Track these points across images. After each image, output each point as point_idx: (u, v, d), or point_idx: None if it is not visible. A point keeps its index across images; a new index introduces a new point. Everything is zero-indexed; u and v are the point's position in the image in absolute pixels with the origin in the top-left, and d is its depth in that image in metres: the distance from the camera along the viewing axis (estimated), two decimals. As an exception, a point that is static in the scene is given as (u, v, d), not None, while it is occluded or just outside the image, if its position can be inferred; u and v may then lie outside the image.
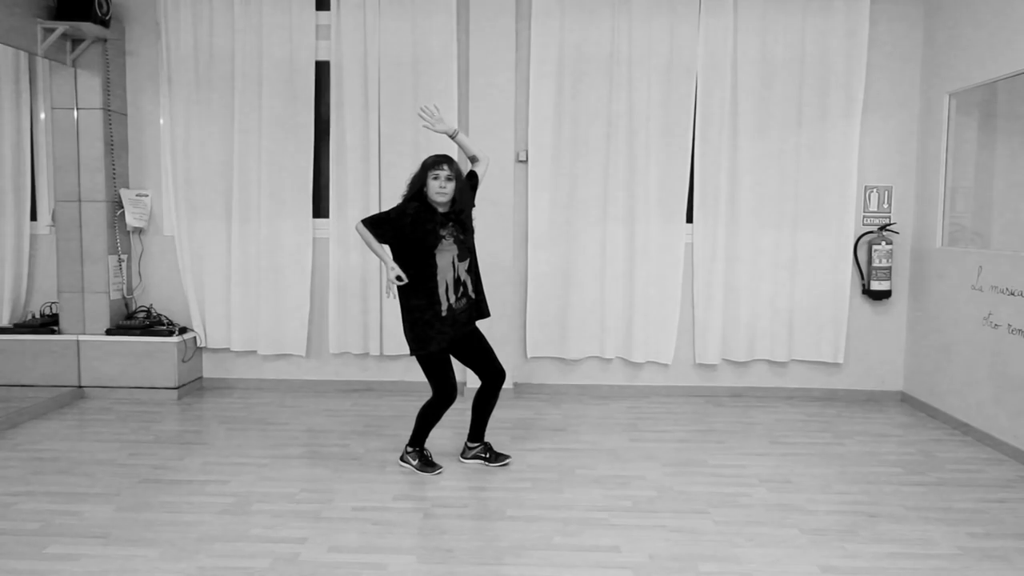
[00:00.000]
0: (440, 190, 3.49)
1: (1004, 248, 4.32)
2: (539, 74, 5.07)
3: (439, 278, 3.52)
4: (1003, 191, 4.59)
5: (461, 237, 3.57)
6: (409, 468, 3.75)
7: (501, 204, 5.09)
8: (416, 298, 3.55)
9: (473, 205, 3.72)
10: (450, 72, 5.07)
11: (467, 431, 3.92)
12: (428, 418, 3.69)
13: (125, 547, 2.87)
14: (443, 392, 3.60)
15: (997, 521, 3.21)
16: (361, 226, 3.55)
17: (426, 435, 3.76)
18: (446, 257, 3.53)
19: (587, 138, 5.10)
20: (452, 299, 3.56)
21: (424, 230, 3.50)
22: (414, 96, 5.10)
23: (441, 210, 3.56)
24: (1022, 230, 4.31)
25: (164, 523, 3.09)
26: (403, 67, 5.09)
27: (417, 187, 3.54)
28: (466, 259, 3.60)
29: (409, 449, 3.78)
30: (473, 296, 3.65)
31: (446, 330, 3.55)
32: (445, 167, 3.50)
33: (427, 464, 3.73)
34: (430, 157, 3.58)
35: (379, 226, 3.54)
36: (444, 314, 3.54)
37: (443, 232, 3.53)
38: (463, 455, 3.88)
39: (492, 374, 3.72)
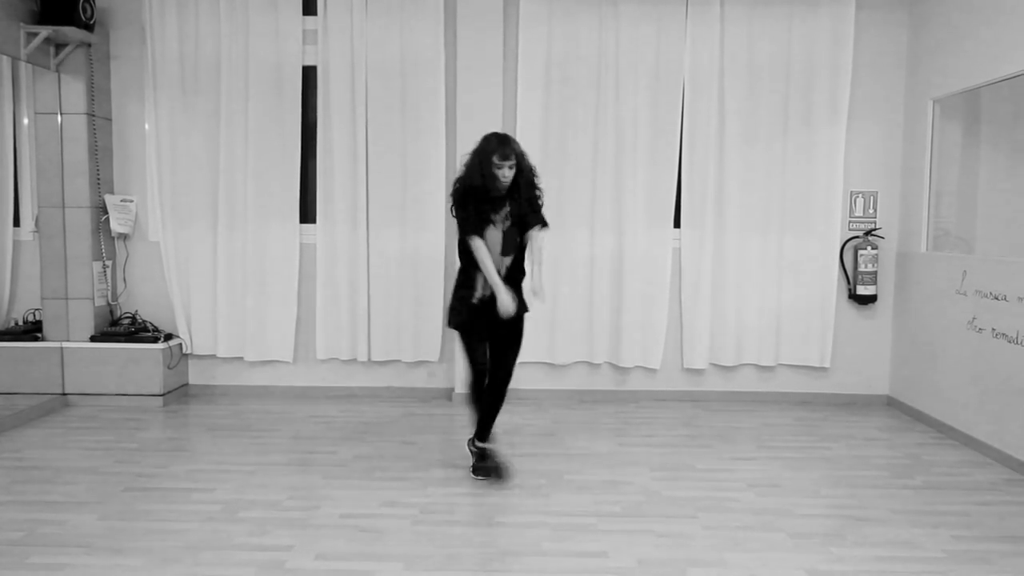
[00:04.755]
0: (503, 179, 3.43)
1: (988, 253, 4.36)
2: (527, 80, 5.08)
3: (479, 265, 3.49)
4: (986, 196, 4.64)
5: (505, 229, 3.49)
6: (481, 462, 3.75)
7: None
8: (461, 276, 3.59)
9: (535, 222, 3.58)
10: (437, 78, 5.07)
11: (460, 438, 3.91)
12: (478, 405, 3.68)
13: (109, 556, 2.84)
14: (471, 369, 3.61)
15: (981, 524, 3.23)
16: (474, 240, 3.45)
17: (485, 426, 3.72)
18: (490, 245, 3.48)
19: (575, 143, 5.11)
20: (487, 293, 3.52)
21: (481, 211, 3.46)
22: (401, 101, 5.09)
23: (495, 193, 3.48)
24: (1005, 235, 4.36)
25: (149, 532, 3.06)
26: (390, 72, 5.08)
27: (475, 175, 3.45)
28: (509, 254, 3.54)
29: (478, 445, 3.76)
30: (518, 301, 3.58)
31: (473, 316, 3.55)
32: (512, 159, 3.41)
33: (482, 468, 3.72)
34: (492, 141, 3.46)
35: (469, 225, 3.47)
36: (475, 302, 3.54)
37: (494, 217, 3.48)
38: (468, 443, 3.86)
39: (496, 371, 3.65)
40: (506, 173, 3.43)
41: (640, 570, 2.78)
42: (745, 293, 5.20)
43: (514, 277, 3.62)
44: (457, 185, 3.55)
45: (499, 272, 3.51)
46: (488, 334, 3.62)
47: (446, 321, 3.65)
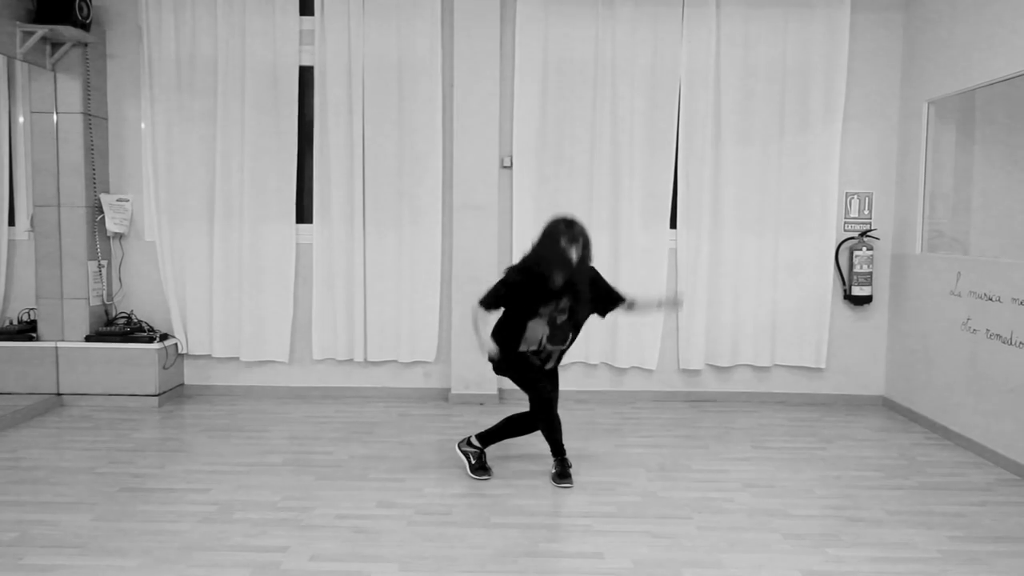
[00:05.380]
0: (572, 259, 3.44)
1: (982, 254, 4.37)
2: (524, 80, 5.08)
3: (526, 336, 3.55)
4: (981, 198, 4.65)
5: (559, 322, 3.54)
6: (464, 462, 3.78)
7: (485, 209, 5.09)
8: (505, 328, 3.59)
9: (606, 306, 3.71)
10: (434, 77, 5.07)
11: (457, 438, 3.93)
12: (513, 426, 3.72)
13: (103, 557, 2.83)
14: (536, 403, 3.62)
15: (977, 524, 3.24)
16: (477, 308, 3.53)
17: (498, 440, 3.78)
18: (536, 331, 3.54)
19: (572, 143, 5.12)
20: (531, 349, 3.58)
21: (529, 299, 3.49)
22: (398, 101, 5.09)
23: (556, 285, 3.49)
24: (999, 236, 4.37)
25: (144, 532, 3.05)
26: (387, 72, 5.08)
27: (542, 257, 3.47)
28: (560, 344, 3.61)
29: (475, 443, 3.77)
30: (557, 360, 3.69)
31: (524, 359, 3.60)
32: (580, 241, 3.44)
33: (481, 468, 3.73)
34: (559, 225, 3.47)
35: (496, 301, 3.54)
36: (518, 351, 3.58)
37: (542, 310, 3.51)
38: (460, 443, 3.85)
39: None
40: (573, 254, 3.43)
41: (635, 571, 2.78)
42: (741, 294, 5.21)
43: (561, 354, 3.71)
44: (520, 264, 3.58)
45: (544, 349, 3.59)
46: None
47: (492, 369, 3.71)
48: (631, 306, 3.74)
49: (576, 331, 3.68)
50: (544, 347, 3.59)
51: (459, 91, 5.06)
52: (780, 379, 5.32)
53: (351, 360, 5.28)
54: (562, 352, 3.71)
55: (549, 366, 3.68)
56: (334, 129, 5.09)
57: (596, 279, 3.68)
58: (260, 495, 3.46)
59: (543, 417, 3.64)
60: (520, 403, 5.18)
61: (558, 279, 3.49)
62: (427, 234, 5.16)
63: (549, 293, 3.51)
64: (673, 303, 3.66)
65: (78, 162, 4.96)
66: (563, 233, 3.44)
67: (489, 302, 3.54)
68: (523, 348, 3.58)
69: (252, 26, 5.05)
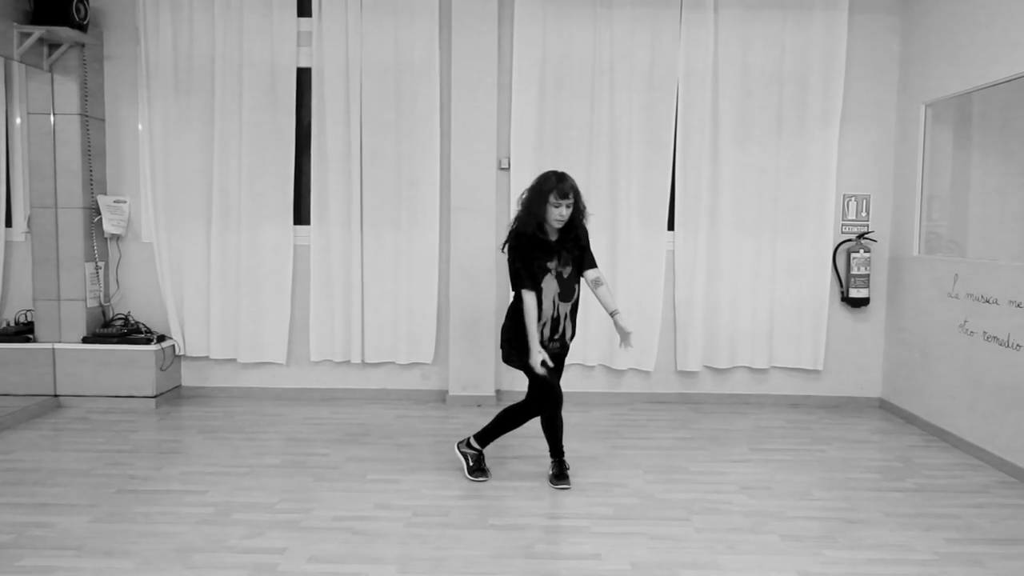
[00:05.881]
0: (559, 218, 3.42)
1: (979, 256, 4.38)
2: (521, 81, 5.08)
3: (542, 309, 3.50)
4: (978, 200, 4.66)
5: (565, 275, 3.51)
6: (462, 463, 3.78)
7: (483, 211, 5.09)
8: (516, 317, 3.53)
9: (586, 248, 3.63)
10: (432, 79, 5.07)
11: (454, 440, 3.93)
12: (509, 419, 3.67)
13: (101, 559, 2.83)
14: (542, 396, 3.57)
15: (974, 527, 3.25)
16: (527, 297, 3.43)
17: (497, 436, 3.74)
18: (548, 292, 3.49)
19: (569, 146, 5.12)
20: (546, 335, 3.53)
21: (535, 259, 3.46)
22: (396, 103, 5.09)
23: (552, 237, 3.50)
24: (996, 238, 4.38)
25: (141, 534, 3.04)
26: (385, 74, 5.08)
27: (534, 208, 3.42)
28: (569, 300, 3.55)
29: (474, 445, 3.76)
30: (569, 342, 3.65)
31: (526, 349, 3.52)
32: (570, 197, 3.39)
33: (479, 469, 3.72)
34: (551, 179, 3.42)
35: (521, 277, 3.46)
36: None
37: (549, 264, 3.48)
38: (459, 444, 3.85)
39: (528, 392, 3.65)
40: (563, 212, 3.41)
41: (633, 573, 2.78)
42: (738, 296, 5.21)
43: (573, 317, 3.65)
44: (514, 225, 3.52)
45: (560, 317, 3.54)
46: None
47: (502, 357, 3.67)
48: (597, 283, 3.62)
49: (578, 282, 3.61)
50: (558, 308, 3.51)
51: (457, 93, 5.07)
52: (777, 381, 5.33)
53: (348, 362, 5.27)
54: (571, 325, 3.61)
55: (555, 344, 3.58)
56: (332, 130, 5.09)
57: (581, 231, 3.58)
58: (258, 497, 3.45)
59: (548, 408, 3.61)
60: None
61: (551, 233, 3.49)
62: (425, 236, 5.16)
63: (549, 246, 3.49)
64: (623, 333, 3.59)
65: (75, 163, 4.96)
66: (554, 189, 3.38)
67: (523, 282, 3.45)
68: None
69: (250, 27, 5.05)
